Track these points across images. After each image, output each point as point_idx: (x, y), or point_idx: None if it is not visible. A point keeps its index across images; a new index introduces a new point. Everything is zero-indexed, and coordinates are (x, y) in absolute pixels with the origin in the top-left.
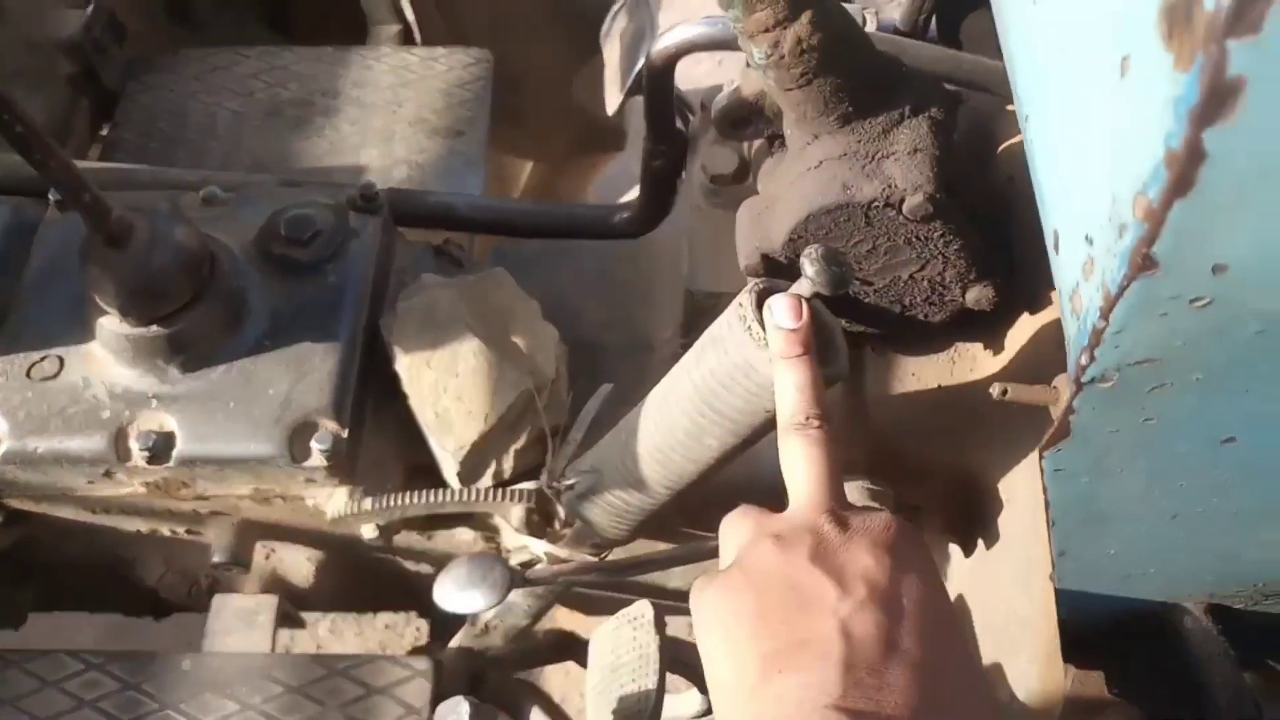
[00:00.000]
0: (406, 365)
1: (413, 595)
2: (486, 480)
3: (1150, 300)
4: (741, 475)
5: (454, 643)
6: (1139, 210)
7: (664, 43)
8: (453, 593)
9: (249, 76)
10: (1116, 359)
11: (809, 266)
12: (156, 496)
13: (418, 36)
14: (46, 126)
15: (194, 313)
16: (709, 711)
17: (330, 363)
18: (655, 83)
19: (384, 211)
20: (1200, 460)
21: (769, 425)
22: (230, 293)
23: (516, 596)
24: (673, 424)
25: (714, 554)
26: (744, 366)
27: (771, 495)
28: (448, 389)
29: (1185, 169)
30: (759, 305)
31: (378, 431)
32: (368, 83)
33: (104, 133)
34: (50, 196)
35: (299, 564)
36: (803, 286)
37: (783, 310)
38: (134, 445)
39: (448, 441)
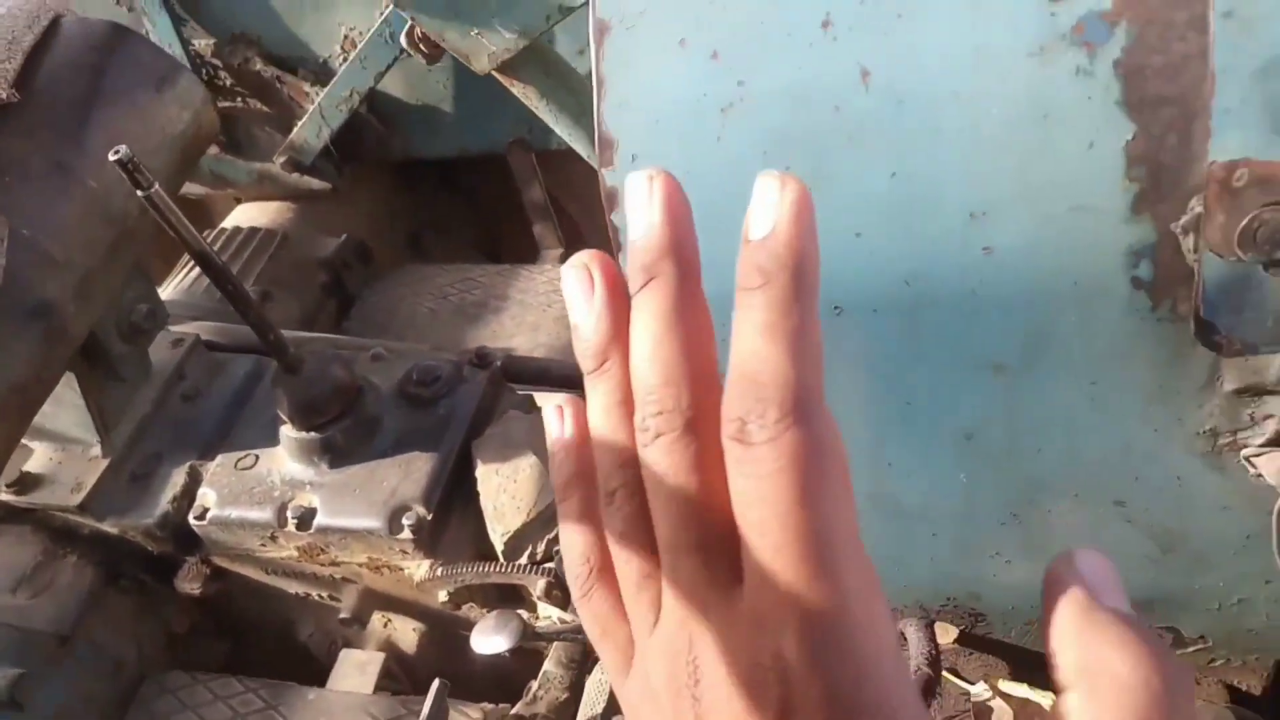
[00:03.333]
0: (481, 472)
1: (502, 686)
2: (523, 560)
3: None
4: None
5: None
6: None
7: None
8: (482, 638)
9: (446, 285)
10: None
11: None
12: (305, 559)
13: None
14: (300, 317)
15: (341, 425)
16: None
17: (428, 467)
18: None
19: (495, 369)
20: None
21: None
22: (369, 415)
23: (554, 669)
24: None
25: None
26: None
27: None
28: (505, 489)
29: None
30: None
31: (459, 523)
32: (530, 290)
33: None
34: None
35: (407, 633)
36: None
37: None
38: (289, 515)
39: (498, 527)
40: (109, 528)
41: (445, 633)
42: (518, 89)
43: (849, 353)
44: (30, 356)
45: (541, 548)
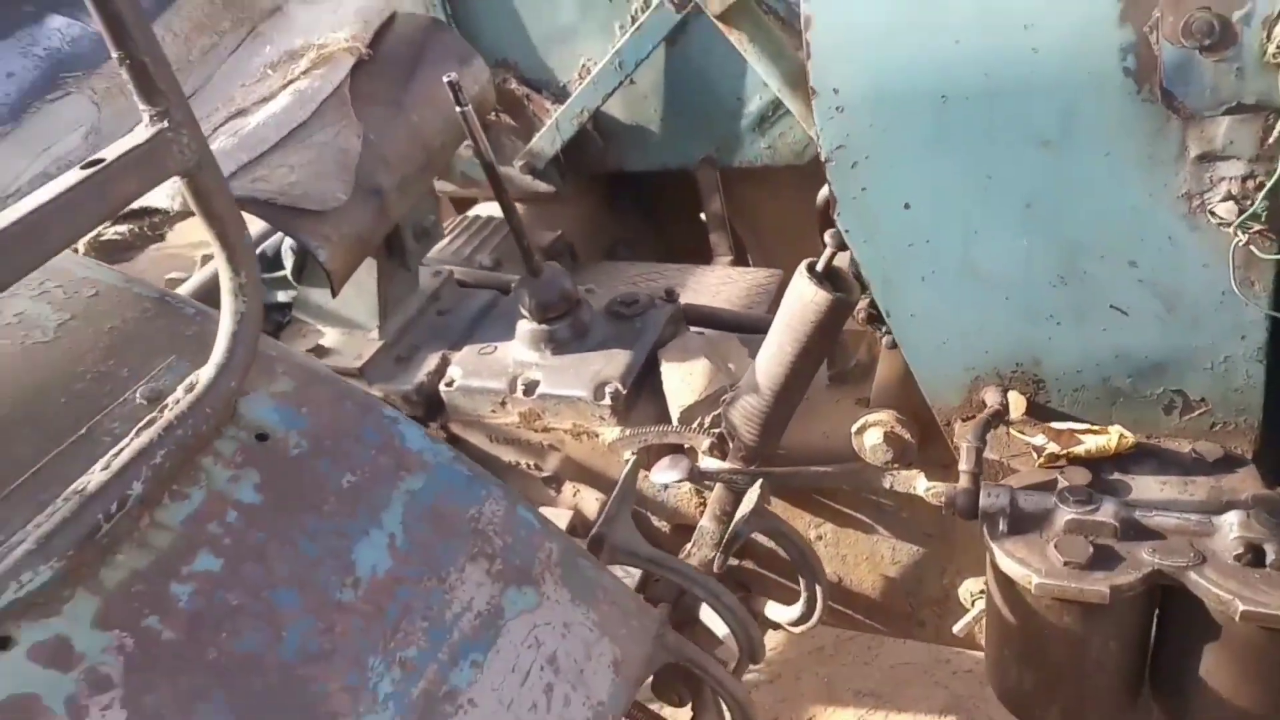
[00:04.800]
0: (665, 368)
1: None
2: (694, 426)
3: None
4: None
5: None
6: None
7: None
8: (660, 472)
9: (635, 275)
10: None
11: None
12: (524, 425)
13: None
14: None
15: (564, 322)
16: (807, 616)
17: (626, 358)
18: None
19: (678, 303)
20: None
21: (816, 339)
22: (584, 320)
23: (709, 524)
24: (768, 347)
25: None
26: (797, 295)
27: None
28: (683, 378)
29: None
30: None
31: (645, 403)
32: (702, 282)
33: None
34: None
35: (590, 501)
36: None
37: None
38: (518, 384)
39: (676, 403)
40: (376, 391)
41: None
42: (733, 36)
43: (953, 138)
44: (366, 219)
45: (708, 420)
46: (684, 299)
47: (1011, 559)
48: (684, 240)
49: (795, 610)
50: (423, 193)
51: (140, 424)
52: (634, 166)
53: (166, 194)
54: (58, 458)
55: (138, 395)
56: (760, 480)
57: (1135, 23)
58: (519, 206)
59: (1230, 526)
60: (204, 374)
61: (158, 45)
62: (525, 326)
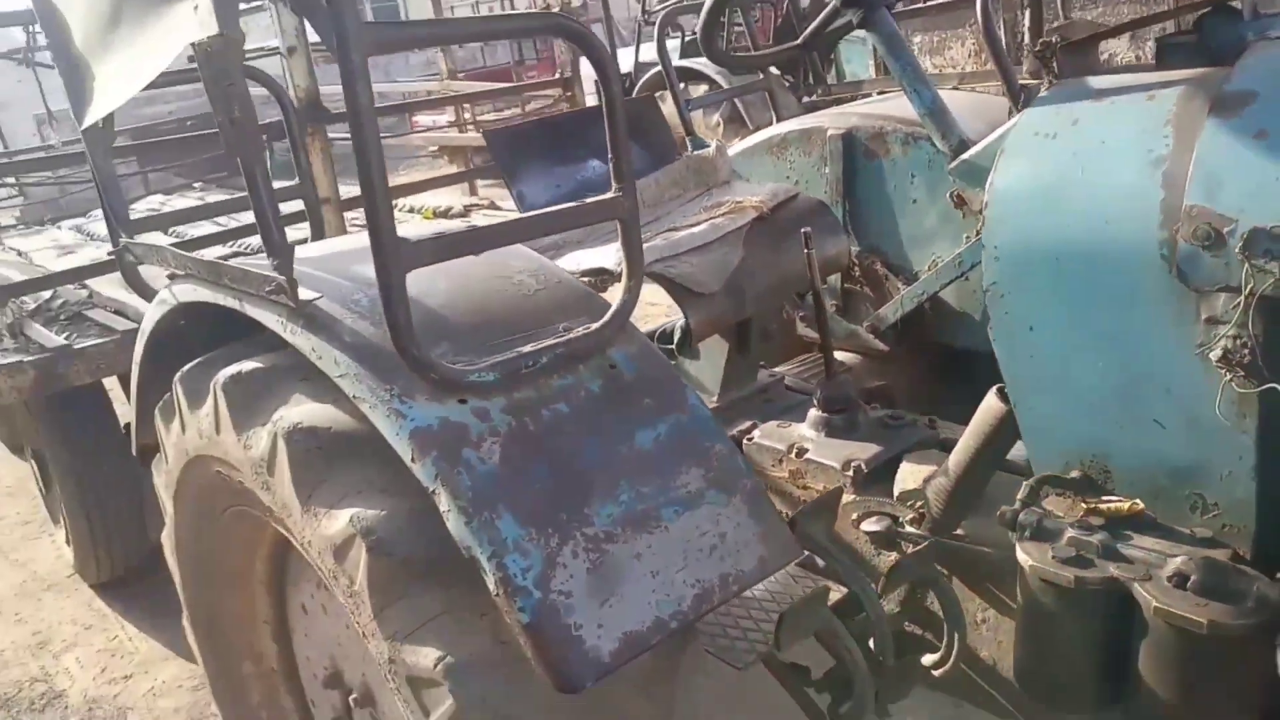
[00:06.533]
0: (903, 466)
1: None
2: None
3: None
4: None
5: None
6: None
7: None
8: (867, 523)
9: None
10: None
11: None
12: (790, 481)
13: None
14: None
15: (840, 416)
16: (945, 660)
17: (875, 450)
18: None
19: (933, 430)
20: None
21: (993, 437)
22: (857, 419)
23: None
24: (961, 443)
25: None
26: (984, 405)
27: None
28: (911, 474)
29: None
30: None
31: (882, 486)
32: None
33: None
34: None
35: None
36: None
37: None
38: (794, 449)
39: (898, 489)
40: None
41: None
42: None
43: (1066, 289)
44: (728, 308)
45: (919, 504)
46: None
47: (1022, 550)
48: None
49: (937, 656)
50: (773, 308)
51: (560, 338)
52: (957, 344)
53: (614, 260)
54: (519, 340)
55: (560, 327)
56: (933, 540)
57: (1169, 229)
58: (857, 358)
59: (1175, 561)
60: (596, 325)
61: None
62: (813, 413)
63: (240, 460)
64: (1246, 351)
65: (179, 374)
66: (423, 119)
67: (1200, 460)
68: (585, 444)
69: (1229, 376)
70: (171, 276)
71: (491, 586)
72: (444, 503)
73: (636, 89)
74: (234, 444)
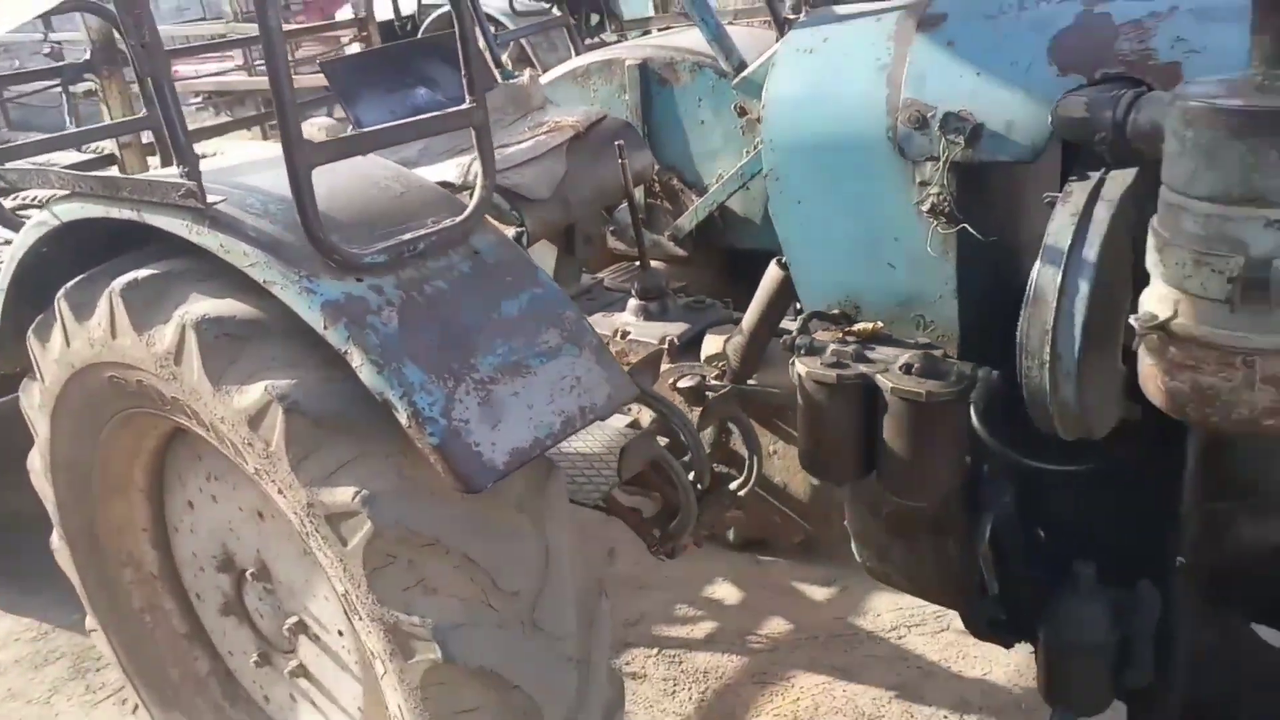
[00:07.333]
0: (706, 339)
1: None
2: None
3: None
4: None
5: None
6: None
7: None
8: (681, 379)
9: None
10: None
11: None
12: (617, 359)
13: None
14: None
15: (655, 304)
16: (747, 481)
17: (683, 328)
18: None
19: (728, 309)
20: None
21: (775, 301)
22: (668, 305)
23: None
24: (751, 308)
25: None
26: (767, 275)
27: None
28: (713, 344)
29: None
30: None
31: (691, 355)
32: None
33: None
34: None
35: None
36: None
37: None
38: (618, 333)
39: (704, 354)
40: None
41: None
42: None
43: (823, 173)
44: (555, 213)
45: (721, 365)
46: None
47: (799, 363)
48: None
49: (741, 479)
50: (594, 214)
51: (439, 225)
52: (742, 245)
53: (455, 174)
54: (397, 230)
55: (429, 221)
56: (731, 387)
57: (892, 117)
58: (661, 264)
59: (904, 357)
60: (460, 218)
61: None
62: (632, 302)
63: (141, 359)
64: (946, 203)
65: (62, 290)
66: (185, 68)
67: (920, 289)
68: (464, 311)
69: (935, 223)
70: (49, 200)
71: (404, 420)
72: (356, 359)
73: (422, 29)
74: (133, 343)
